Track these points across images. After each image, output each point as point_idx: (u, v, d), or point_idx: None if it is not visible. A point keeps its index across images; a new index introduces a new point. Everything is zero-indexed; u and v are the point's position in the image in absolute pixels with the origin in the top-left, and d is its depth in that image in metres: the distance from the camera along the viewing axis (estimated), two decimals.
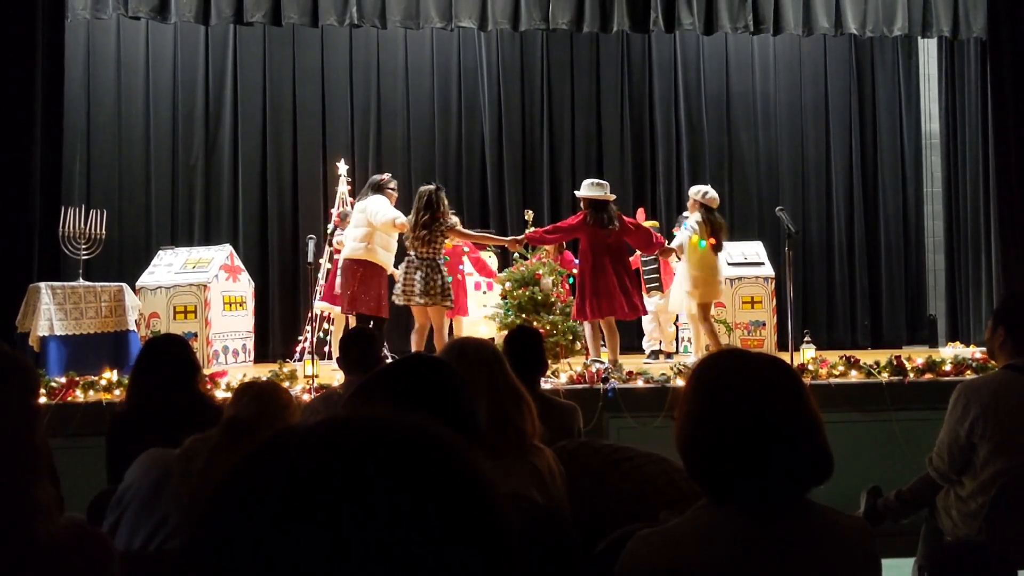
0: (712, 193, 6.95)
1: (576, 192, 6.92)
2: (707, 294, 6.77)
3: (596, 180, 6.79)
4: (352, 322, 7.11)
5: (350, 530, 0.57)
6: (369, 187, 7.05)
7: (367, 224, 6.76)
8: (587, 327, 6.66)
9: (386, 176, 7.18)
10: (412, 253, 6.49)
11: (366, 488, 0.59)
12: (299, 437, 0.63)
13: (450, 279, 6.63)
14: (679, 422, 1.61)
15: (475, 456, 0.66)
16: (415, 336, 6.71)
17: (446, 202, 6.61)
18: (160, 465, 2.56)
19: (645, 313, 7.03)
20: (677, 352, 8.47)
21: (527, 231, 7.18)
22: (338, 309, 7.88)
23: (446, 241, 6.69)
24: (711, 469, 1.55)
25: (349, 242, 6.93)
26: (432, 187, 6.58)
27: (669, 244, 7.15)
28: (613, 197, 6.71)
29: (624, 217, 6.77)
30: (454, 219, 6.63)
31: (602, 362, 6.18)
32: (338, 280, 7.27)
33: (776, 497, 1.53)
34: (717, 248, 6.76)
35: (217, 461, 2.45)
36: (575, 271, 7.01)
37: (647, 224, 7.84)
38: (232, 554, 0.59)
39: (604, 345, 6.57)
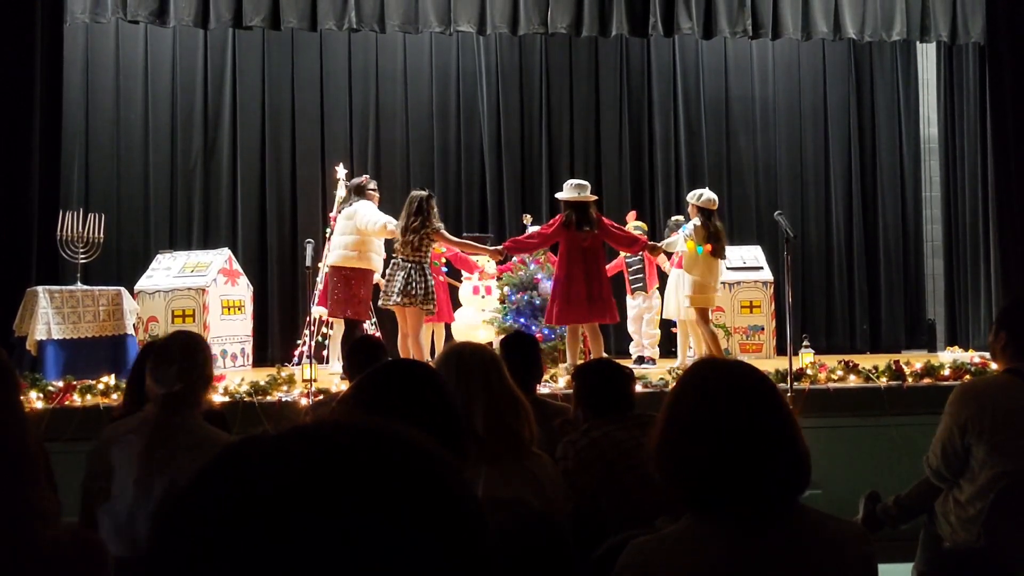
0: (708, 195, 6.92)
1: (557, 195, 6.90)
2: (702, 300, 6.81)
3: (577, 181, 6.73)
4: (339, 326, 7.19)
5: (314, 540, 0.56)
6: (352, 192, 7.10)
7: (356, 231, 6.79)
8: (568, 331, 6.68)
9: (365, 178, 7.26)
10: (398, 257, 6.49)
11: (332, 495, 0.58)
12: (261, 446, 0.63)
13: (432, 283, 6.62)
14: (656, 436, 1.62)
15: (449, 460, 0.65)
16: (400, 342, 6.62)
17: (435, 208, 6.60)
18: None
19: (615, 320, 6.82)
20: (668, 356, 8.41)
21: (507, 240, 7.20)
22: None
23: (433, 246, 6.70)
24: (689, 481, 1.55)
25: (337, 249, 6.94)
26: (424, 193, 6.58)
27: (659, 243, 7.19)
28: (594, 198, 6.69)
29: (604, 219, 6.73)
30: (439, 224, 6.61)
31: None
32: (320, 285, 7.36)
33: (761, 506, 1.53)
34: (716, 254, 6.76)
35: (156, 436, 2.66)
36: None
37: (635, 225, 7.85)
38: (190, 566, 0.57)
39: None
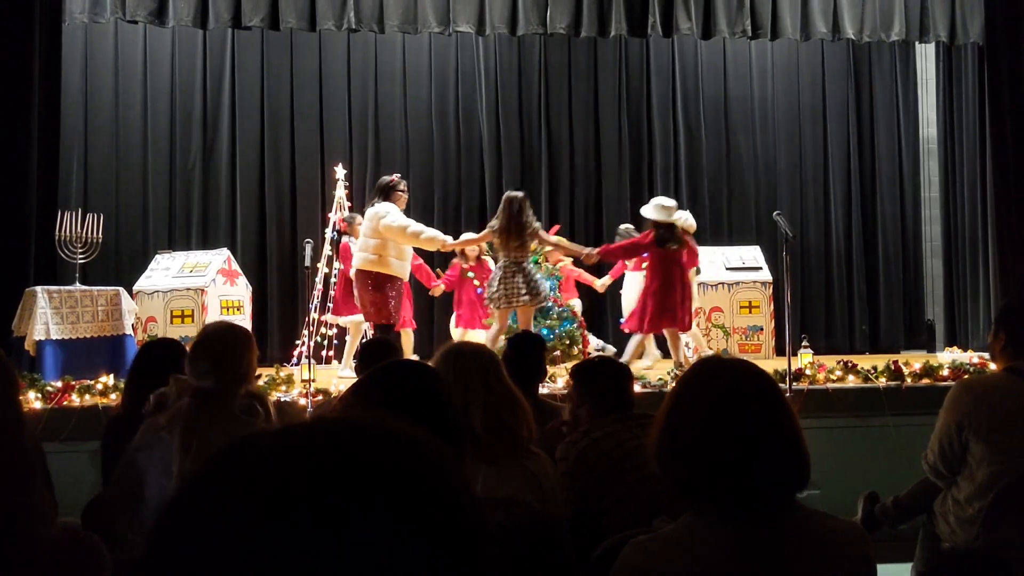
0: (688, 220, 7.45)
1: (642, 211, 7.05)
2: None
3: (664, 203, 6.92)
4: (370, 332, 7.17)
5: (312, 539, 0.56)
6: (378, 191, 6.84)
7: (376, 233, 6.58)
8: (635, 338, 6.92)
9: (395, 177, 6.93)
10: (504, 259, 6.61)
11: (329, 493, 0.58)
12: (258, 446, 0.62)
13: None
14: (657, 433, 1.62)
15: (447, 455, 0.65)
16: (491, 339, 6.65)
17: (531, 208, 6.77)
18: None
19: (689, 328, 7.12)
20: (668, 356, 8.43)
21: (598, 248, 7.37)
22: (348, 320, 7.85)
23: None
24: (689, 479, 1.55)
25: (359, 252, 6.73)
26: (520, 194, 6.72)
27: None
28: (677, 218, 7.00)
29: (686, 235, 7.12)
30: (538, 224, 6.77)
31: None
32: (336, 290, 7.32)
33: (761, 504, 1.53)
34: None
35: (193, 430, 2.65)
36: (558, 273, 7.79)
37: (554, 236, 7.82)
38: (186, 567, 0.58)
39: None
